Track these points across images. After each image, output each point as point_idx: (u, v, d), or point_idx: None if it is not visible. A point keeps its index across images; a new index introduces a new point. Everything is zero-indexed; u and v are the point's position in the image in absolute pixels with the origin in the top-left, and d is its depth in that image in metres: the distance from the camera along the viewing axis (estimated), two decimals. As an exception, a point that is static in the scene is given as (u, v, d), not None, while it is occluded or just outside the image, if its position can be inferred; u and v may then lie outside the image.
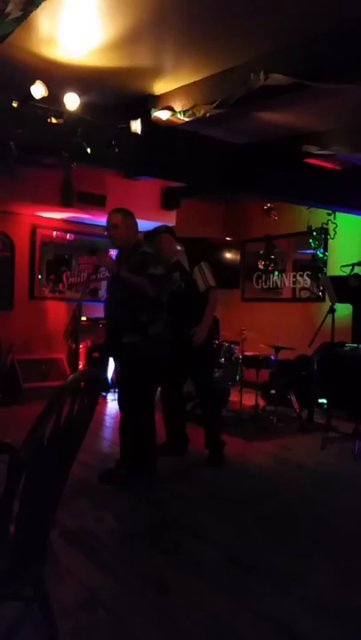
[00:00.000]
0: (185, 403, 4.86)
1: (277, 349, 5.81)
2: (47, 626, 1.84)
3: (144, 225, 4.43)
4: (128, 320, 3.74)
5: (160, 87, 4.23)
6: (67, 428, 1.58)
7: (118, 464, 3.93)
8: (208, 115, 3.97)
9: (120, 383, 4.02)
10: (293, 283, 7.68)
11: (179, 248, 4.55)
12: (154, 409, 3.94)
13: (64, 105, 3.95)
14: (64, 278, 7.29)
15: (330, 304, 5.48)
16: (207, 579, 2.62)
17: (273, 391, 6.22)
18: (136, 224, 3.93)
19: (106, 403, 6.62)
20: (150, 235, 4.46)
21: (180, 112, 4.15)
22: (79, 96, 3.97)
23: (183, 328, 4.24)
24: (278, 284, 7.88)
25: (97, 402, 1.78)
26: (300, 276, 7.60)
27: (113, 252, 6.65)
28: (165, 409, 4.56)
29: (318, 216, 7.11)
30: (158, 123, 4.32)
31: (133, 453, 3.88)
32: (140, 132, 4.24)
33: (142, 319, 3.73)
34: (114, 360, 4.22)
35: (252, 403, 5.98)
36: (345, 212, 6.76)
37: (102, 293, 7.68)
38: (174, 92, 4.22)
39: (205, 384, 4.61)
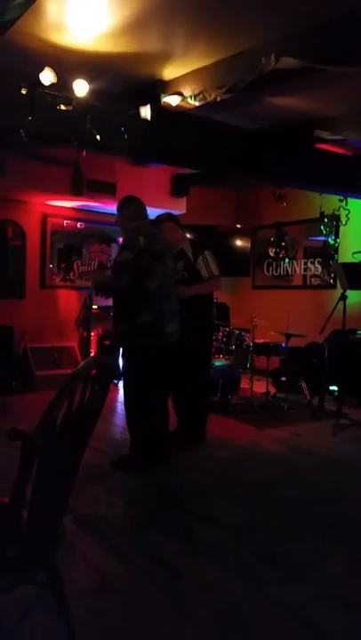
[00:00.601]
0: (208, 391, 4.85)
1: (288, 337, 5.79)
2: (60, 610, 1.86)
3: (154, 212, 4.42)
4: (118, 310, 3.86)
5: (170, 72, 4.18)
6: (79, 415, 1.58)
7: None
8: (218, 99, 3.93)
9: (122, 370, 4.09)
10: (304, 270, 7.64)
11: (185, 236, 4.52)
12: (159, 396, 3.93)
13: (73, 91, 3.93)
14: (75, 267, 7.29)
15: (341, 291, 5.45)
16: (219, 565, 2.63)
17: (284, 378, 6.21)
18: (134, 212, 3.93)
19: (117, 390, 6.65)
20: (153, 223, 4.43)
21: (189, 97, 4.10)
22: (88, 82, 3.94)
23: (185, 317, 4.21)
24: (289, 271, 7.84)
25: (108, 389, 1.78)
26: (312, 263, 7.55)
27: (122, 240, 6.59)
28: (174, 396, 4.57)
29: (330, 202, 7.04)
30: (168, 108, 4.28)
31: (132, 439, 3.93)
32: (149, 118, 4.20)
33: (130, 309, 3.74)
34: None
35: (263, 390, 5.98)
36: (357, 197, 6.69)
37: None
38: (184, 76, 4.17)
39: (201, 370, 4.58)
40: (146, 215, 4.03)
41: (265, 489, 3.66)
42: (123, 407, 5.81)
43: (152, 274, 3.73)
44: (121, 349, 4.12)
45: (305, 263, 7.63)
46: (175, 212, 6.96)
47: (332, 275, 7.09)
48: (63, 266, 7.20)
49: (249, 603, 2.32)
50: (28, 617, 1.92)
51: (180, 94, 4.15)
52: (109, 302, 7.36)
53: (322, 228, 7.17)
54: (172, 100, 4.18)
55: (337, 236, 7.11)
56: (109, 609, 2.24)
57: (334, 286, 6.95)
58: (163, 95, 4.23)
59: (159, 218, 4.46)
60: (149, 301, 3.73)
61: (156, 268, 3.76)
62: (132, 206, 3.94)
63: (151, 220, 4.45)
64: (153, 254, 3.75)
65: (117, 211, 4.01)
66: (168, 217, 4.48)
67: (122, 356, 4.03)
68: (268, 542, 2.90)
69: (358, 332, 6.17)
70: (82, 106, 4.04)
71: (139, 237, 3.74)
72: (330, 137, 5.13)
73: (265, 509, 3.33)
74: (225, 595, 2.37)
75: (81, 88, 3.92)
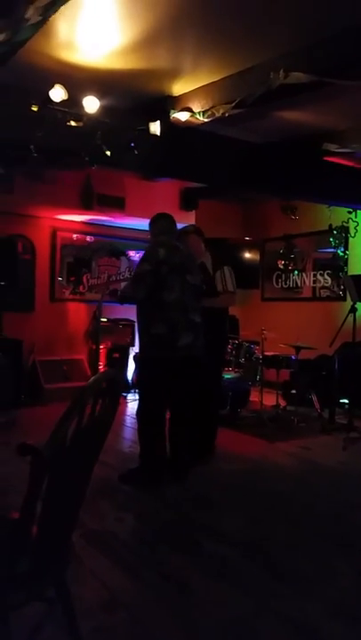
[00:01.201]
0: (220, 405, 4.84)
1: (298, 349, 5.77)
2: (69, 626, 1.85)
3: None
4: (139, 322, 3.95)
5: (179, 88, 4.23)
6: (89, 430, 1.59)
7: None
8: (227, 115, 3.97)
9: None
10: (314, 282, 7.63)
11: (206, 250, 4.54)
12: (160, 409, 3.91)
13: (83, 108, 3.98)
14: (84, 280, 7.33)
15: (351, 303, 5.43)
16: (228, 580, 2.61)
17: (294, 391, 6.18)
18: (161, 227, 4.00)
19: (126, 403, 6.65)
20: (178, 234, 4.46)
21: (198, 113, 4.15)
22: (98, 99, 3.99)
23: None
24: (298, 283, 7.83)
25: (118, 402, 1.79)
26: (321, 275, 7.54)
27: (132, 254, 6.69)
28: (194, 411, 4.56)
29: (339, 214, 7.05)
30: (177, 124, 4.33)
31: (141, 453, 3.93)
32: (158, 134, 4.25)
33: (145, 320, 3.82)
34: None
35: (273, 403, 5.96)
36: (366, 210, 6.69)
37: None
38: (193, 92, 4.22)
39: (213, 383, 4.54)
40: (173, 230, 4.07)
41: (275, 503, 3.63)
42: (131, 420, 5.84)
43: (169, 286, 3.74)
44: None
45: (314, 275, 7.62)
46: (183, 226, 7.07)
47: (342, 286, 7.08)
48: (73, 279, 7.24)
49: (259, 618, 2.29)
50: (37, 633, 1.91)
51: (190, 110, 4.19)
52: (119, 315, 7.44)
53: (331, 240, 7.17)
54: (182, 116, 4.22)
55: (346, 247, 7.10)
56: (118, 624, 2.22)
57: (344, 298, 6.93)
58: (172, 111, 4.28)
59: (186, 229, 4.48)
60: (164, 313, 3.74)
61: (173, 280, 3.76)
62: (158, 222, 4.02)
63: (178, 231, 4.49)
64: (171, 266, 3.76)
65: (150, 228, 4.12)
66: (193, 229, 4.52)
67: (137, 367, 4.06)
68: (278, 557, 2.87)
69: (368, 345, 6.14)
70: (92, 122, 4.09)
71: (158, 249, 3.78)
72: (338, 150, 5.15)
73: (275, 524, 3.30)
74: (235, 610, 2.35)
75: (91, 104, 3.98)
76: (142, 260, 3.80)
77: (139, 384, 4.00)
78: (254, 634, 2.20)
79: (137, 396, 4.10)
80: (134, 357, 4.38)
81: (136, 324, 4.21)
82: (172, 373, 3.81)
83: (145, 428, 3.92)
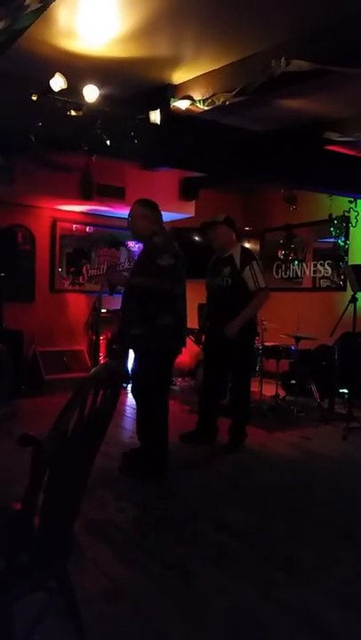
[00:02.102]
0: (222, 394, 4.86)
1: (298, 339, 5.77)
2: (71, 616, 1.87)
3: (164, 216, 4.41)
4: (135, 312, 3.75)
5: (179, 76, 4.20)
6: (90, 421, 1.58)
7: (133, 452, 4.00)
8: (228, 103, 3.94)
9: (132, 375, 4.00)
10: (314, 272, 7.61)
11: (237, 242, 4.52)
12: (166, 401, 3.92)
13: (83, 97, 3.95)
14: (84, 271, 7.31)
15: (351, 293, 5.43)
16: (230, 569, 2.62)
17: (293, 381, 6.19)
18: (154, 214, 3.86)
19: (126, 394, 6.65)
20: (207, 224, 4.42)
21: (199, 101, 4.11)
22: (98, 88, 3.96)
23: (224, 323, 4.25)
24: (299, 273, 7.81)
25: (119, 394, 1.78)
26: (321, 265, 7.52)
27: (132, 244, 6.65)
28: (203, 398, 4.58)
29: (339, 204, 7.02)
30: (177, 112, 4.29)
31: (143, 445, 3.92)
32: (159, 123, 4.22)
33: (149, 311, 3.70)
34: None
35: (273, 393, 5.96)
36: (367, 199, 6.66)
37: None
38: (193, 80, 4.19)
39: (243, 376, 4.59)
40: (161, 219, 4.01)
41: (275, 493, 3.65)
42: (131, 411, 5.85)
43: (180, 279, 3.78)
44: (132, 352, 4.10)
45: (315, 265, 7.60)
46: (184, 216, 7.04)
47: (342, 276, 7.06)
48: (72, 270, 7.22)
49: (261, 608, 2.31)
50: (39, 623, 1.92)
51: (190, 98, 4.16)
52: (119, 306, 7.43)
53: (331, 229, 7.14)
54: (182, 105, 4.19)
55: (347, 237, 7.07)
56: (120, 614, 2.23)
57: (344, 288, 6.92)
58: (172, 99, 4.24)
59: (216, 218, 4.43)
60: (172, 305, 3.73)
61: (183, 274, 3.82)
62: (158, 211, 3.91)
63: (205, 222, 4.46)
64: (182, 260, 3.80)
65: (132, 209, 3.89)
66: (224, 219, 4.44)
67: (135, 360, 3.96)
68: (279, 547, 2.89)
69: (369, 335, 6.14)
70: (92, 111, 4.06)
71: (173, 242, 3.80)
72: (340, 138, 5.12)
73: (276, 513, 3.32)
74: (236, 599, 2.36)
75: (91, 93, 3.94)
76: (162, 251, 3.68)
77: (144, 376, 3.83)
78: (256, 623, 2.21)
79: (134, 389, 3.99)
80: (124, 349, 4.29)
81: (128, 315, 3.92)
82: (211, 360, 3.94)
83: (159, 421, 3.86)
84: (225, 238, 4.40)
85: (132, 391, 4.03)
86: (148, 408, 3.89)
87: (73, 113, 4.00)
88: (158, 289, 3.63)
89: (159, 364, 3.79)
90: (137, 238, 4.00)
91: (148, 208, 3.86)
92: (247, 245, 7.91)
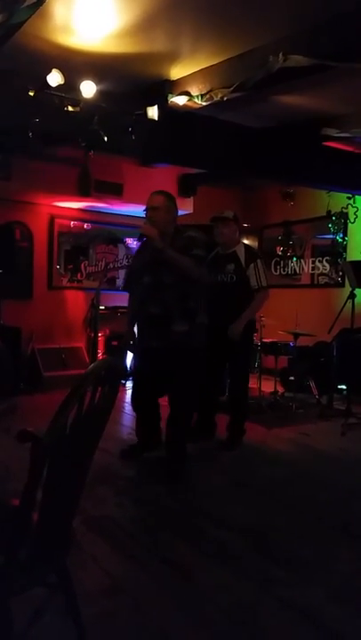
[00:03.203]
0: (219, 391, 4.86)
1: (296, 336, 5.77)
2: (70, 612, 1.86)
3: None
4: (177, 306, 3.51)
5: (177, 72, 4.19)
6: (89, 417, 1.58)
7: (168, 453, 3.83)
8: (226, 99, 3.93)
9: (168, 375, 3.69)
10: (312, 268, 7.61)
11: (240, 239, 4.53)
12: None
13: (80, 93, 3.94)
14: (82, 268, 7.30)
15: (350, 289, 5.43)
16: (230, 566, 2.62)
17: (292, 378, 6.19)
18: (177, 209, 3.76)
19: (125, 390, 6.65)
20: (218, 219, 4.40)
21: (197, 97, 4.11)
22: (95, 83, 3.95)
23: (226, 320, 4.24)
24: (297, 269, 7.81)
25: (118, 390, 1.78)
26: (320, 261, 7.52)
27: (130, 241, 6.59)
28: (201, 394, 4.58)
29: (338, 200, 7.02)
30: (175, 108, 4.28)
31: (181, 445, 3.81)
32: (156, 119, 4.21)
33: (191, 306, 3.55)
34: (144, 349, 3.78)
35: (272, 389, 5.96)
36: (365, 195, 6.66)
37: (120, 282, 7.69)
38: (191, 76, 4.18)
39: (242, 373, 4.59)
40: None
41: (275, 489, 3.65)
42: (130, 407, 5.84)
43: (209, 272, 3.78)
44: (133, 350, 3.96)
45: (313, 262, 7.60)
46: (182, 212, 7.01)
47: (341, 273, 7.06)
48: (70, 267, 7.21)
49: (261, 604, 2.31)
50: (38, 619, 1.92)
51: (188, 94, 4.15)
52: (117, 303, 7.42)
53: (330, 226, 7.14)
54: (180, 100, 4.18)
55: (345, 234, 7.08)
56: (119, 610, 2.23)
57: (343, 285, 6.92)
58: (170, 95, 4.23)
59: (225, 214, 4.41)
60: (203, 300, 3.68)
61: (208, 266, 3.78)
62: (174, 202, 3.74)
63: (214, 216, 4.43)
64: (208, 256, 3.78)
65: (159, 199, 3.65)
66: (233, 216, 4.45)
67: (168, 359, 3.61)
68: (279, 543, 2.89)
69: (367, 331, 6.14)
70: (89, 107, 4.05)
71: (203, 237, 3.70)
72: (338, 134, 5.11)
73: (275, 509, 3.32)
74: (236, 596, 2.36)
75: (88, 89, 3.93)
76: (200, 245, 3.59)
77: (188, 375, 3.65)
78: (256, 619, 2.21)
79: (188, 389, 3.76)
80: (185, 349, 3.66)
81: (153, 311, 3.61)
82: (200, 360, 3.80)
83: (190, 416, 3.86)
84: (232, 235, 4.41)
85: (170, 394, 3.77)
86: (184, 409, 3.75)
87: (70, 109, 3.99)
88: (192, 275, 3.47)
89: (200, 361, 3.70)
90: (159, 230, 3.52)
91: (172, 202, 3.71)
92: (246, 242, 7.93)
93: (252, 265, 4.32)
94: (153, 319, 3.60)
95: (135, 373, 3.96)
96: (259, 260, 4.40)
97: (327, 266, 7.39)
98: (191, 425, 4.02)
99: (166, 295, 3.53)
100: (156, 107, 4.21)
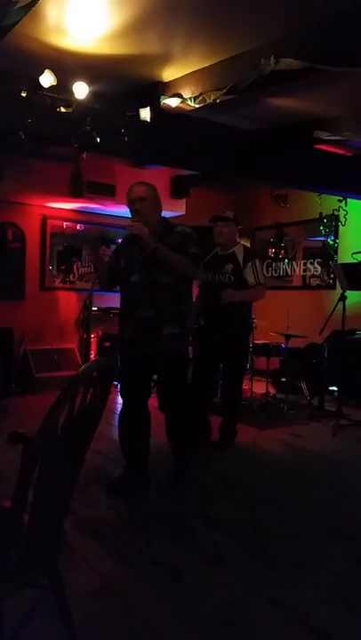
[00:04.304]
0: (212, 393, 4.85)
1: (288, 337, 5.79)
2: (62, 613, 1.86)
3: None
4: (169, 308, 3.29)
5: (169, 74, 4.19)
6: (80, 418, 1.58)
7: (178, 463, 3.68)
8: (218, 101, 3.93)
9: (160, 381, 3.57)
10: (304, 270, 7.64)
11: (238, 240, 4.54)
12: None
13: (73, 94, 3.94)
14: (75, 269, 7.30)
15: (341, 292, 5.45)
16: (221, 567, 2.63)
17: (284, 379, 6.22)
18: (160, 201, 3.49)
19: (117, 392, 6.64)
20: (219, 218, 4.40)
21: (189, 99, 4.11)
22: (88, 85, 3.95)
23: (222, 321, 4.24)
24: (289, 271, 7.84)
25: (109, 391, 1.78)
26: (311, 263, 7.55)
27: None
28: (195, 398, 4.58)
29: (329, 203, 7.05)
30: (167, 110, 4.29)
31: (185, 448, 3.70)
32: (149, 120, 4.21)
33: (182, 308, 3.37)
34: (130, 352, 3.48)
35: (263, 391, 5.98)
36: (356, 198, 6.69)
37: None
38: (184, 78, 4.18)
39: (237, 376, 4.60)
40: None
41: (266, 490, 3.66)
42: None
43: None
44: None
45: (304, 264, 7.63)
46: (175, 214, 7.04)
47: (332, 275, 7.10)
48: (63, 268, 7.20)
49: (251, 605, 2.32)
50: (29, 620, 1.92)
51: (180, 96, 4.15)
52: (110, 304, 7.41)
53: (321, 228, 7.17)
54: (172, 102, 4.19)
55: (336, 236, 7.11)
56: (111, 611, 2.23)
57: (334, 287, 6.95)
58: (162, 97, 4.24)
59: (225, 214, 4.42)
60: (191, 303, 3.62)
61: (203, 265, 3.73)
62: (158, 193, 3.48)
63: (213, 216, 4.41)
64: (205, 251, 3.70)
65: (143, 189, 3.39)
66: (233, 216, 4.45)
67: (157, 363, 3.44)
68: (270, 543, 2.90)
69: (358, 333, 6.18)
70: (82, 108, 4.05)
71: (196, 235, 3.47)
72: (329, 137, 5.14)
73: (267, 510, 3.33)
74: (228, 596, 2.37)
75: (81, 90, 3.93)
76: (195, 243, 3.37)
77: (177, 381, 3.53)
78: (248, 620, 2.22)
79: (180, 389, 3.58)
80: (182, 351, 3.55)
81: (167, 313, 3.34)
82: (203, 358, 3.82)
83: (188, 413, 3.69)
84: (232, 235, 4.42)
85: (161, 401, 3.55)
86: (180, 409, 3.56)
87: (63, 110, 3.98)
88: (189, 275, 3.35)
89: (186, 366, 3.68)
90: (147, 221, 3.31)
91: (156, 192, 3.42)
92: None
93: (249, 264, 4.34)
94: (143, 323, 3.31)
95: (122, 378, 3.62)
96: (257, 260, 4.43)
97: (319, 268, 7.43)
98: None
99: (159, 296, 3.28)
100: (148, 108, 4.21)
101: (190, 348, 3.88)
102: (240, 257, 4.37)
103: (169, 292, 3.29)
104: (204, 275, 4.38)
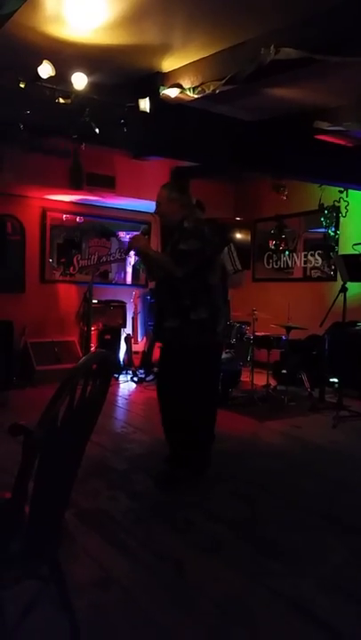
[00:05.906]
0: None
1: (289, 329, 5.79)
2: (63, 604, 1.87)
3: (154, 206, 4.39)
4: (169, 303, 3.46)
5: (169, 64, 4.16)
6: (80, 410, 1.58)
7: (168, 460, 3.63)
8: (218, 91, 3.90)
9: (159, 370, 3.70)
10: (305, 262, 7.62)
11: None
12: (206, 400, 3.64)
13: (72, 85, 3.90)
14: (75, 261, 7.29)
15: (341, 283, 5.44)
16: (221, 558, 2.64)
17: (284, 371, 6.22)
18: (183, 198, 3.61)
19: (118, 384, 6.66)
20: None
21: (189, 89, 4.08)
22: (87, 75, 3.92)
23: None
24: (289, 263, 7.82)
25: (110, 383, 1.78)
26: (312, 255, 7.52)
27: (122, 235, 6.53)
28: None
29: (330, 194, 7.02)
30: (167, 101, 4.26)
31: (172, 450, 3.60)
32: (148, 111, 4.18)
33: (184, 303, 3.40)
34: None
35: (264, 383, 5.99)
36: (357, 189, 6.66)
37: (113, 276, 7.69)
38: (183, 68, 4.15)
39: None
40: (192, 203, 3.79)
41: (266, 481, 3.67)
42: (123, 401, 5.86)
43: (213, 268, 3.53)
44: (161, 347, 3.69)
45: (305, 255, 7.61)
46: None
47: (333, 267, 7.08)
48: (63, 260, 7.19)
49: (251, 595, 2.33)
50: (30, 611, 1.93)
51: (180, 86, 4.12)
52: (110, 296, 7.41)
53: (322, 219, 7.14)
54: (172, 93, 4.15)
55: (337, 227, 7.08)
56: (111, 602, 2.25)
57: (335, 278, 6.94)
58: (162, 87, 4.20)
59: None
60: (207, 296, 3.46)
61: (215, 262, 3.58)
62: (179, 191, 3.65)
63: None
64: (214, 247, 3.57)
65: (160, 193, 3.65)
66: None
67: (161, 354, 3.60)
68: (270, 534, 2.91)
69: (359, 324, 6.17)
70: (80, 99, 4.02)
71: (204, 227, 3.50)
72: (330, 128, 5.10)
73: (267, 501, 3.34)
74: (227, 587, 2.38)
75: (79, 81, 3.90)
76: (189, 236, 3.41)
77: (173, 375, 3.51)
78: (248, 610, 2.23)
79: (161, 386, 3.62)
80: (164, 346, 3.57)
81: (154, 307, 3.65)
82: (206, 359, 3.56)
83: (189, 423, 3.58)
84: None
85: (159, 391, 3.63)
86: (173, 405, 3.54)
87: (61, 101, 3.95)
88: (172, 274, 3.37)
89: (188, 359, 3.47)
90: (167, 223, 3.70)
91: (176, 192, 3.61)
92: (238, 235, 7.92)
93: (225, 250, 4.30)
94: (154, 316, 3.68)
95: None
96: (231, 245, 4.37)
97: (319, 259, 7.41)
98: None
99: (160, 292, 3.60)
100: (147, 99, 4.18)
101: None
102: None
103: (165, 287, 3.51)
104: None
